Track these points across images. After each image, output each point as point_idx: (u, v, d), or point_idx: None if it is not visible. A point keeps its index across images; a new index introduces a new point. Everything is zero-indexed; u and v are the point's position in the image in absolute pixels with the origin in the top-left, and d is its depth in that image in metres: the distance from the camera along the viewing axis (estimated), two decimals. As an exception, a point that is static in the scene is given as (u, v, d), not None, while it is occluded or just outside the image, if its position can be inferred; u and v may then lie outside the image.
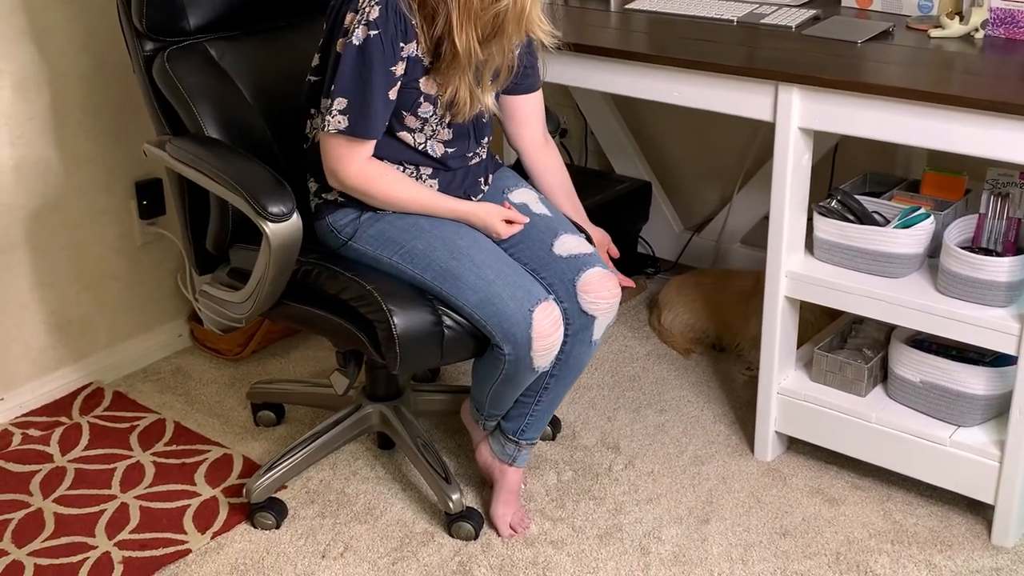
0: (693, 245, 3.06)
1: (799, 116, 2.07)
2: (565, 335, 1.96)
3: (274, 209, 1.83)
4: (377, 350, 1.92)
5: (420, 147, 1.96)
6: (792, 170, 2.12)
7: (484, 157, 2.09)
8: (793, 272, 2.19)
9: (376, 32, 1.81)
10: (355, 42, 1.81)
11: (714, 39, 2.30)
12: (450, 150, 2.00)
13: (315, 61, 1.94)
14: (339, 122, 1.85)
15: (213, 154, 1.97)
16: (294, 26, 2.27)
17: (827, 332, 2.37)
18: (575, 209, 2.20)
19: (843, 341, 2.35)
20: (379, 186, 1.93)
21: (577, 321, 1.98)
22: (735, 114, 2.17)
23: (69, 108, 2.47)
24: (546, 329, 1.89)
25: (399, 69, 1.85)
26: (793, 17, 2.36)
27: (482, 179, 2.09)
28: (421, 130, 1.95)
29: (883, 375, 2.25)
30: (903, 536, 2.12)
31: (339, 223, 2.00)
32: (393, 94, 1.87)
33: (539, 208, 2.10)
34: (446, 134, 1.98)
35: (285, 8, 2.26)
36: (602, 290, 1.97)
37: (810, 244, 2.22)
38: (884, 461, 2.19)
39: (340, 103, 1.84)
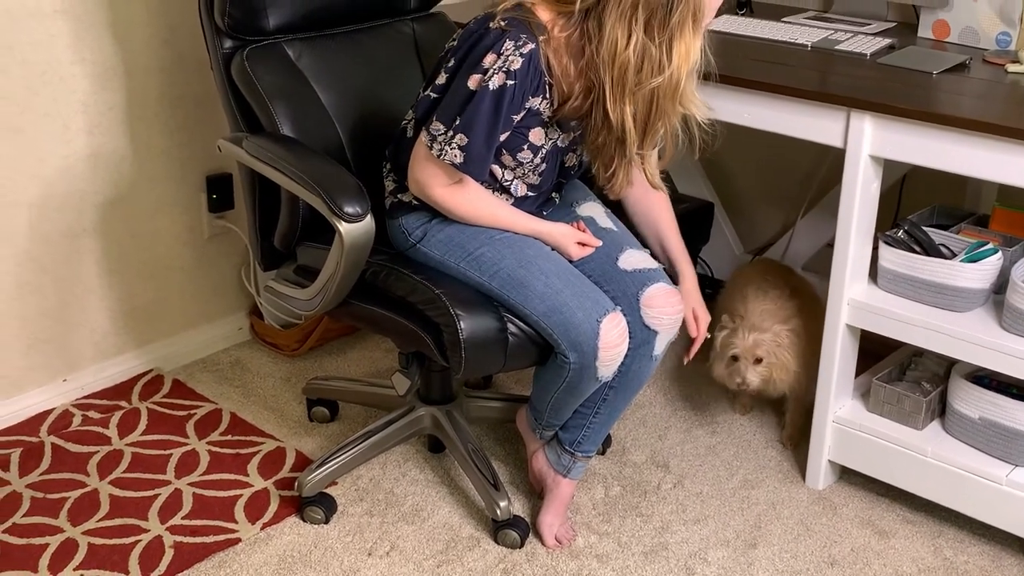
0: (751, 268, 3.05)
1: (870, 144, 2.07)
2: (627, 348, 1.96)
3: (350, 209, 1.86)
4: (442, 353, 1.94)
5: (505, 183, 1.98)
6: (860, 197, 2.11)
7: None
8: (856, 300, 2.18)
9: (513, 83, 1.81)
10: (491, 87, 1.81)
11: (787, 63, 2.30)
12: (531, 193, 2.02)
13: (440, 79, 1.91)
14: (454, 156, 1.86)
15: (291, 153, 2.00)
16: (370, 30, 2.31)
17: (886, 363, 2.35)
18: (679, 252, 2.18)
19: (902, 373, 2.34)
20: (461, 205, 1.95)
21: (639, 335, 1.98)
22: (805, 138, 2.17)
23: (146, 100, 2.53)
24: (613, 340, 1.91)
25: (518, 117, 1.87)
26: (868, 45, 2.35)
27: (555, 194, 2.11)
28: (513, 169, 1.96)
29: (941, 409, 2.23)
30: (953, 574, 2.10)
31: (410, 225, 2.02)
32: (504, 137, 1.89)
33: (605, 222, 2.11)
34: (534, 178, 2.00)
35: (362, 12, 2.29)
36: (666, 305, 1.98)
37: (874, 273, 2.21)
38: (938, 496, 2.17)
39: (460, 139, 1.85)
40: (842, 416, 2.26)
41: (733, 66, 2.35)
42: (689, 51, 1.81)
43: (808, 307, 2.40)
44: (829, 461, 2.30)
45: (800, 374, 2.34)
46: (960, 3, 2.40)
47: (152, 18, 2.47)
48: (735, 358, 2.32)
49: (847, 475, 2.34)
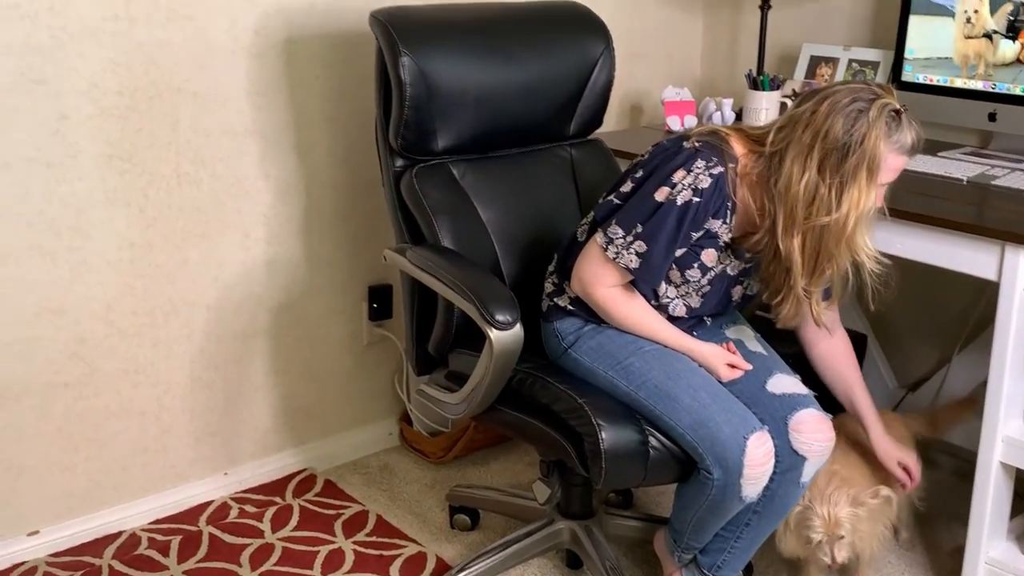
0: (906, 404, 2.98)
1: (1026, 278, 2.04)
2: (773, 471, 1.96)
3: (500, 317, 1.94)
4: (583, 463, 1.97)
5: (665, 300, 2.03)
6: (1016, 333, 2.07)
7: None
8: (1010, 438, 2.11)
9: (698, 200, 1.89)
10: (678, 201, 1.90)
11: (942, 196, 2.30)
12: (688, 317, 2.07)
13: (625, 187, 1.98)
14: (630, 260, 1.94)
15: (449, 263, 2.12)
16: (530, 153, 2.43)
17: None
18: (865, 405, 2.17)
19: (1062, 517, 2.23)
20: (620, 309, 2.01)
21: (786, 460, 1.97)
22: (958, 271, 2.15)
23: (321, 214, 2.71)
24: (759, 458, 1.90)
25: (697, 236, 1.95)
26: (1027, 180, 2.34)
27: (708, 317, 2.15)
28: (678, 287, 2.02)
29: (1106, 558, 2.12)
30: None
31: (564, 329, 2.09)
32: (679, 253, 1.96)
33: (755, 346, 2.13)
34: (695, 299, 2.05)
35: (524, 137, 2.43)
36: (816, 432, 1.97)
37: (1031, 410, 2.15)
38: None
39: (640, 246, 1.93)
40: (995, 557, 2.17)
41: (887, 196, 2.37)
42: (861, 200, 1.84)
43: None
44: (983, 605, 2.20)
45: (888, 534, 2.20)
46: (1125, 141, 2.37)
47: (331, 140, 2.67)
48: (816, 538, 2.10)
49: (1002, 622, 2.23)
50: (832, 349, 2.17)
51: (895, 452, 2.16)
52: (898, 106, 1.84)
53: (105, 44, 2.27)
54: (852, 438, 2.23)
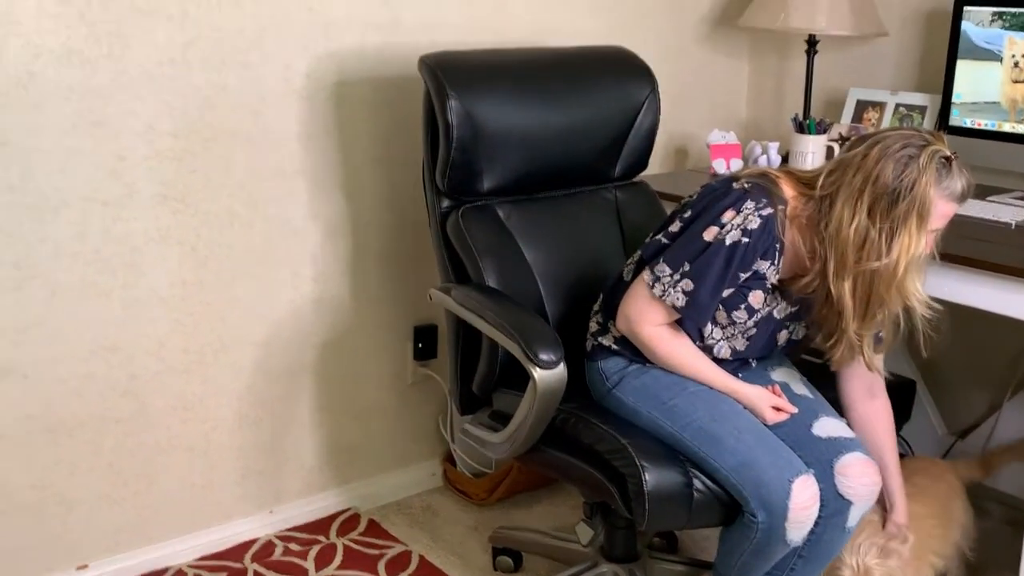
0: (956, 451, 2.94)
1: (1077, 322, 2.01)
2: (819, 515, 1.93)
3: (544, 356, 1.95)
4: (626, 504, 1.97)
5: (710, 342, 2.03)
6: (1068, 377, 2.04)
7: None
8: (1064, 485, 2.08)
9: (747, 241, 1.90)
10: (727, 241, 1.91)
11: (989, 239, 2.28)
12: (733, 360, 2.07)
13: (673, 227, 1.99)
14: (676, 299, 1.95)
15: (494, 302, 2.14)
16: (575, 195, 2.46)
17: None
18: (895, 477, 2.12)
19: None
20: (665, 348, 2.02)
21: (832, 504, 1.95)
22: (1006, 315, 2.13)
23: (368, 253, 2.75)
24: (804, 502, 1.89)
25: (745, 276, 1.95)
26: (1078, 224, 2.32)
27: (753, 359, 2.14)
28: (724, 328, 2.02)
29: None
30: None
31: (608, 369, 2.09)
32: (726, 293, 1.96)
33: (800, 389, 2.12)
34: (741, 342, 2.05)
35: (569, 179, 2.45)
36: (862, 476, 1.95)
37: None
38: None
39: (687, 284, 1.93)
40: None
41: (938, 242, 2.35)
42: (911, 245, 1.84)
43: (944, 515, 2.23)
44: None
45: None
46: None
47: (378, 181, 2.71)
48: None
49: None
50: (871, 414, 2.14)
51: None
52: (948, 153, 1.84)
53: (162, 88, 2.33)
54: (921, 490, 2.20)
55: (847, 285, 1.87)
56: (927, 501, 2.23)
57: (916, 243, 1.85)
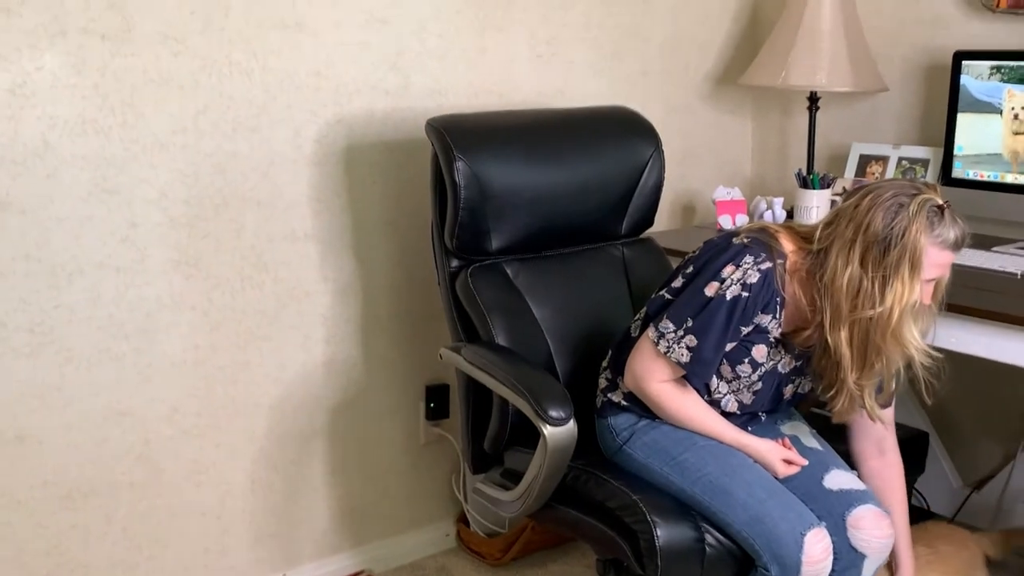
0: (972, 503, 2.92)
1: (1087, 371, 2.01)
2: (832, 569, 1.92)
3: (554, 413, 1.96)
4: (639, 561, 1.96)
5: (716, 396, 2.04)
6: (1080, 426, 2.04)
7: None
8: (1080, 535, 2.06)
9: (747, 295, 1.92)
10: (728, 296, 1.93)
11: (996, 290, 2.29)
12: (741, 414, 2.07)
13: (676, 283, 2.02)
14: (681, 355, 1.96)
15: (504, 360, 2.15)
16: (583, 252, 2.48)
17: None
18: (903, 536, 2.11)
19: None
20: (673, 404, 2.02)
21: (845, 558, 1.94)
22: (1016, 364, 2.13)
23: (378, 315, 2.77)
24: (817, 555, 1.88)
25: (746, 330, 1.97)
26: (1083, 273, 2.32)
27: (763, 413, 2.14)
28: (729, 382, 2.03)
29: None
30: None
31: (619, 425, 2.10)
32: (729, 347, 1.98)
33: (811, 442, 2.12)
34: (747, 396, 2.05)
35: (575, 237, 2.47)
36: (875, 529, 1.95)
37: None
38: None
39: (690, 340, 1.95)
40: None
41: (943, 292, 2.37)
42: (904, 294, 1.85)
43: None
44: None
45: None
46: None
47: (388, 242, 2.74)
48: None
49: None
50: (882, 470, 2.14)
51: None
52: (940, 202, 1.86)
53: (175, 156, 2.38)
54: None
55: (843, 335, 1.88)
56: (949, 569, 2.22)
57: (910, 291, 1.86)
